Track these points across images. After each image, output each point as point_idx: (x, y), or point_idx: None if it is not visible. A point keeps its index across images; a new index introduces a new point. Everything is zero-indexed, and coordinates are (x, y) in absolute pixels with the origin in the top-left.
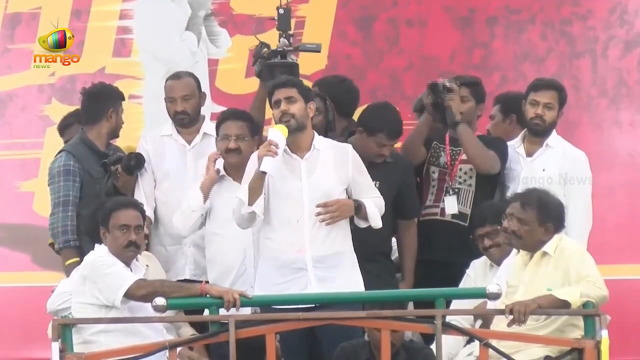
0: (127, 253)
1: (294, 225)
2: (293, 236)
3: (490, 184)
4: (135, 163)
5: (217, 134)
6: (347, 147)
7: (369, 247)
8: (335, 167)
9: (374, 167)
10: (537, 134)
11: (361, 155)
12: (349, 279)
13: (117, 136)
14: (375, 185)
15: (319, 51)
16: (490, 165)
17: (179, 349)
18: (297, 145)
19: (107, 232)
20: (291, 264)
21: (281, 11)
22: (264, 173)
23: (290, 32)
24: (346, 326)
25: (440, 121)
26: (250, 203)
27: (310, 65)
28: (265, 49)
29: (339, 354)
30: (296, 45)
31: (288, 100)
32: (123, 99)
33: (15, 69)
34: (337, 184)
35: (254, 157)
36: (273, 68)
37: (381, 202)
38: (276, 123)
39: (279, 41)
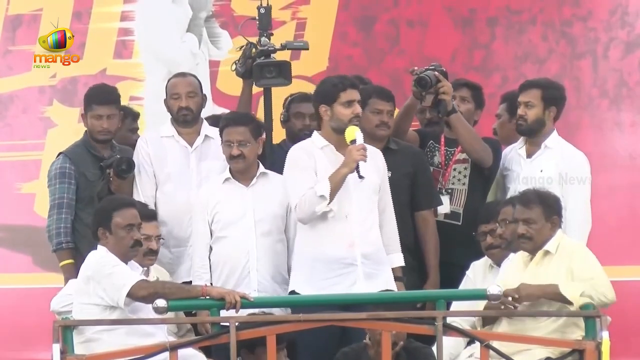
0: (132, 253)
1: (343, 220)
2: (343, 231)
3: (484, 183)
4: (126, 167)
5: (222, 139)
6: (377, 150)
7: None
8: (373, 165)
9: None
10: (522, 133)
11: (370, 136)
12: (390, 275)
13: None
14: (388, 175)
15: (306, 48)
16: (483, 154)
17: None
18: (343, 143)
19: (109, 233)
20: (341, 259)
21: (262, 10)
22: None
23: (271, 30)
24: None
25: (432, 108)
26: (330, 201)
27: (311, 67)
28: (254, 49)
29: (341, 357)
30: (283, 43)
31: (359, 102)
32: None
33: (16, 70)
34: (379, 181)
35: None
36: (263, 67)
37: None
38: (344, 122)
39: (261, 40)
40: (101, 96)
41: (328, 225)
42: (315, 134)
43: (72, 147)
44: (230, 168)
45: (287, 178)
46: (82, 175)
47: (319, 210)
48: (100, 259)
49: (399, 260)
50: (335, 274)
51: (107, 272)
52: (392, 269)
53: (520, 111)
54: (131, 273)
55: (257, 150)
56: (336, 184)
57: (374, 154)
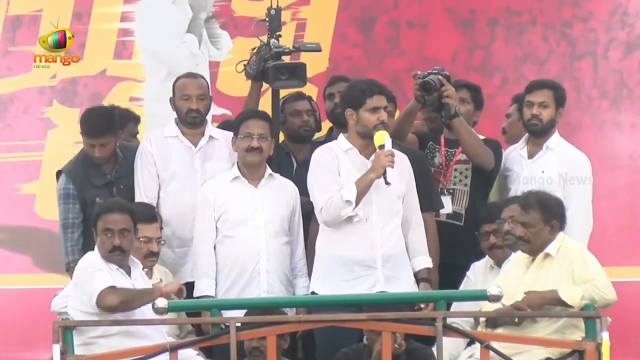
0: (113, 257)
1: (363, 223)
2: (363, 234)
3: (485, 184)
4: None
5: (237, 133)
6: (404, 155)
7: None
8: (399, 171)
9: None
10: (536, 133)
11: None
12: (410, 279)
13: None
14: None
15: (319, 50)
16: (485, 158)
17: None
18: (367, 147)
19: (96, 234)
20: (361, 261)
21: (272, 12)
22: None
23: (279, 32)
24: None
25: (435, 111)
26: (356, 205)
27: (311, 67)
28: (268, 51)
29: (341, 357)
30: (296, 45)
31: (385, 109)
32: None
33: (16, 71)
34: (401, 185)
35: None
36: (278, 69)
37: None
38: (369, 128)
39: (270, 42)
40: (92, 129)
41: (349, 228)
42: (341, 136)
43: (73, 165)
44: (239, 167)
45: (311, 178)
46: (82, 196)
47: (345, 215)
48: (85, 264)
49: (425, 261)
50: (354, 276)
51: (85, 280)
52: (418, 270)
53: (534, 111)
54: (104, 279)
55: (271, 148)
56: (362, 189)
57: (400, 160)
